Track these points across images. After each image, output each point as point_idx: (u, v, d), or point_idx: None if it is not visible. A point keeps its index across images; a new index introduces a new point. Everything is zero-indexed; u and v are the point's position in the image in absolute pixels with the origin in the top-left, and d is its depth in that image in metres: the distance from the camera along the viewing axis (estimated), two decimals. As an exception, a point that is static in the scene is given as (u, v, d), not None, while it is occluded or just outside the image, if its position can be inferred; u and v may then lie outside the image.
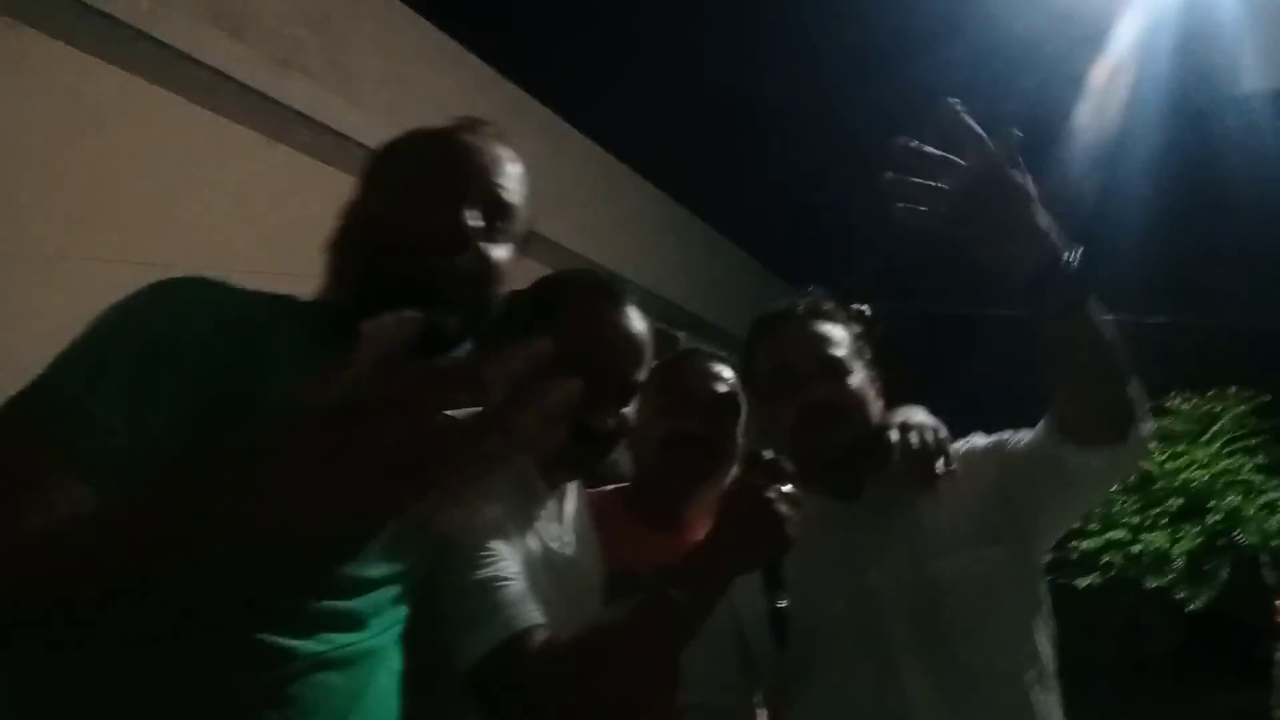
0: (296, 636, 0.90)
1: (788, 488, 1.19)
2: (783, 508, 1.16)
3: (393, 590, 1.03)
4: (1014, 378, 1.63)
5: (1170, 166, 6.07)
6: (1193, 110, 5.75)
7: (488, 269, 1.13)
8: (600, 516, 1.54)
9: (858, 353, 1.54)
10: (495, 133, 1.23)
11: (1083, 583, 5.75)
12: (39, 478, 0.77)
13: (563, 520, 1.39)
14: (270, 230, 5.23)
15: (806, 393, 1.45)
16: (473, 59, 6.83)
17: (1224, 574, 5.57)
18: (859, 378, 1.50)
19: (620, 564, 1.45)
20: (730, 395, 1.66)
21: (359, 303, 1.04)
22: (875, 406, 1.51)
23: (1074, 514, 1.52)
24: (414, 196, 1.11)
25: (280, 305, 1.08)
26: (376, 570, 1.00)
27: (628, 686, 1.12)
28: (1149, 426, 1.32)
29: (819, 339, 1.51)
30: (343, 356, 0.98)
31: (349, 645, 0.95)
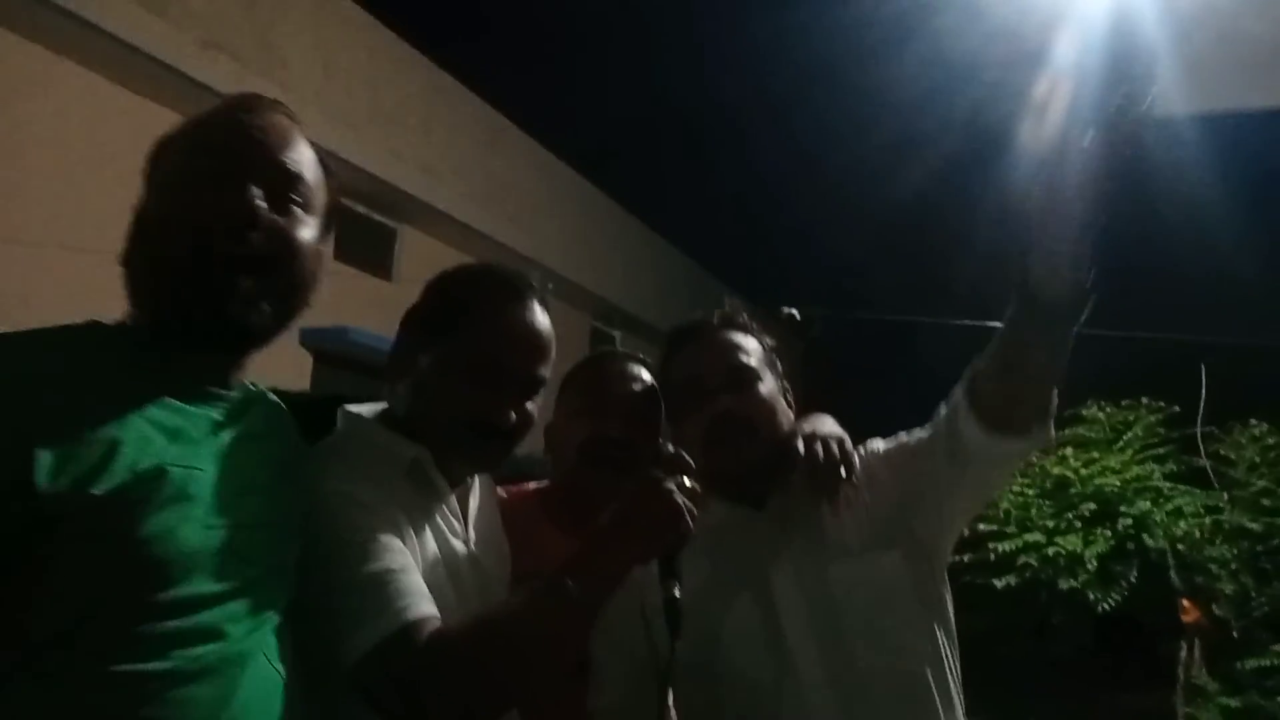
0: (144, 660, 0.91)
1: (688, 481, 1.18)
2: (682, 499, 1.15)
3: (248, 598, 1.01)
4: (948, 384, 1.65)
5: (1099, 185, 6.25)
6: (1121, 129, 5.94)
7: (284, 244, 1.06)
8: (515, 516, 1.52)
9: (768, 363, 1.53)
10: (273, 106, 1.15)
11: (1000, 583, 5.90)
12: None
13: (466, 517, 1.36)
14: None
15: (715, 404, 1.44)
16: (404, 45, 6.75)
17: (1132, 576, 5.77)
18: (768, 386, 1.49)
19: (531, 565, 1.42)
20: (650, 396, 1.64)
21: (159, 312, 1.03)
22: (785, 416, 1.50)
23: (965, 502, 1.50)
24: (191, 185, 1.05)
25: (72, 342, 1.02)
26: (218, 585, 0.98)
27: (518, 675, 1.10)
28: (1051, 427, 1.36)
29: (728, 348, 1.51)
30: (150, 374, 0.99)
31: (203, 656, 0.94)
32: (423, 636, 1.07)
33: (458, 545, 1.30)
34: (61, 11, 4.43)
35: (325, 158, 1.17)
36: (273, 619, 1.04)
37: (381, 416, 1.32)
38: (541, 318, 1.36)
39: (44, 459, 0.89)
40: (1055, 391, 1.31)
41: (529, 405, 1.32)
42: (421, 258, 6.30)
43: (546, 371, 1.35)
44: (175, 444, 0.99)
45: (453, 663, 1.07)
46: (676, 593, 1.16)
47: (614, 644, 1.36)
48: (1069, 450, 6.46)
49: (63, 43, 4.71)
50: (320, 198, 1.14)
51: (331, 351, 5.99)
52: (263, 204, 1.04)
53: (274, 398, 1.22)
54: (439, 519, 1.28)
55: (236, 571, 1.00)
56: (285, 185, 1.08)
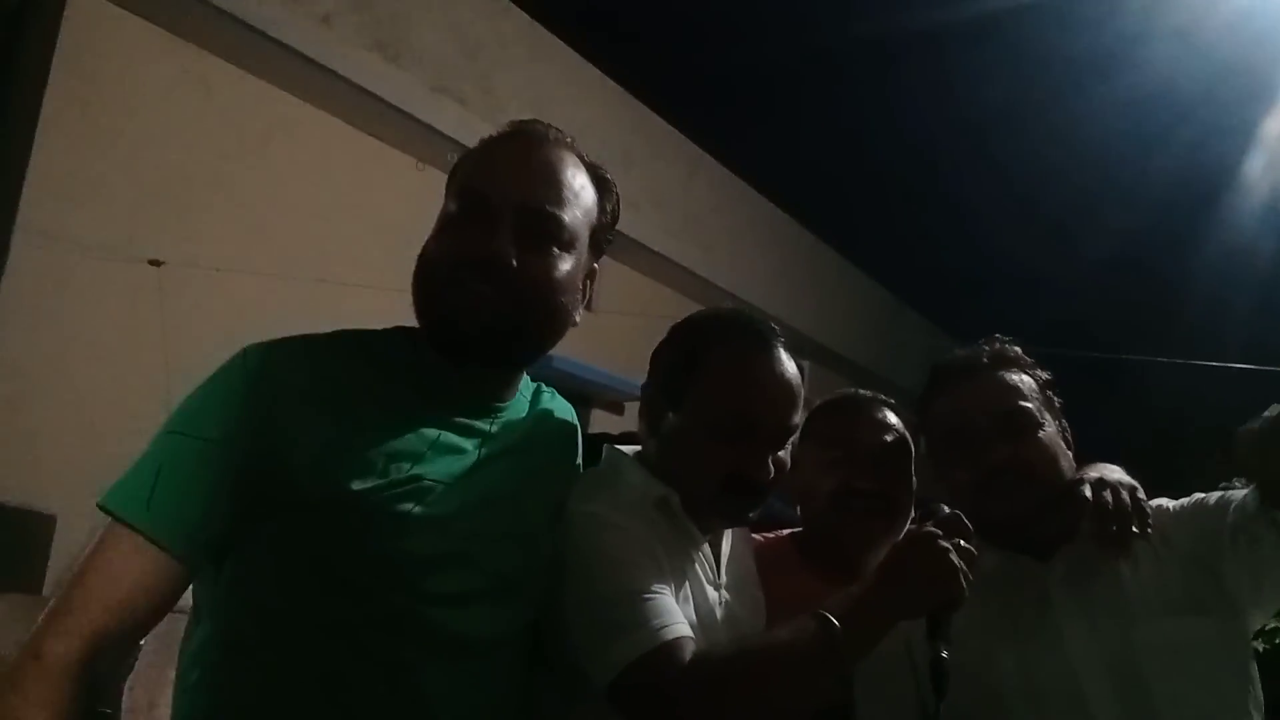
0: (362, 646, 1.04)
1: (964, 543, 1.15)
2: (957, 559, 1.13)
3: (473, 604, 1.10)
4: (1171, 426, 1.52)
5: None
6: None
7: (532, 283, 1.11)
8: (771, 562, 1.51)
9: (1046, 403, 1.43)
10: (538, 135, 1.19)
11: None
12: None
13: (719, 562, 1.36)
14: (417, 249, 5.43)
15: (989, 454, 1.35)
16: (615, 87, 6.99)
17: None
18: (1048, 431, 1.39)
19: (788, 609, 1.42)
20: (902, 445, 1.58)
21: (428, 334, 1.14)
22: (1067, 460, 1.40)
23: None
24: (451, 224, 1.15)
25: (377, 348, 1.16)
26: (441, 589, 1.08)
27: (771, 705, 1.10)
28: None
29: (1003, 391, 1.41)
30: (428, 386, 1.12)
31: (411, 651, 1.05)
32: (684, 655, 1.09)
33: (710, 591, 1.30)
34: (307, 60, 4.84)
35: (601, 172, 1.22)
36: (499, 623, 1.12)
37: (639, 456, 1.35)
38: (789, 365, 1.34)
39: (309, 453, 1.02)
40: None
41: (782, 454, 1.31)
42: (620, 288, 6.48)
43: (799, 419, 1.34)
44: (436, 455, 1.09)
45: (714, 684, 1.09)
46: (944, 654, 1.13)
47: (880, 692, 1.31)
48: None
49: (308, 90, 5.12)
50: (583, 225, 1.18)
51: (536, 378, 6.23)
52: (510, 247, 1.10)
53: (562, 408, 1.31)
54: (693, 562, 1.29)
55: (462, 579, 1.09)
56: (537, 224, 1.13)
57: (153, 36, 4.44)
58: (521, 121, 1.22)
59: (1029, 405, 1.39)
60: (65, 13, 4.08)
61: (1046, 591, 1.35)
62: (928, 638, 1.14)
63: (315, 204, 5.04)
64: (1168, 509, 1.40)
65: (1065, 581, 1.34)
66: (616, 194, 1.24)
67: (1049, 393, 1.45)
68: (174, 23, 4.46)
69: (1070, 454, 1.42)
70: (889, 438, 1.58)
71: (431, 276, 1.13)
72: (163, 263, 4.16)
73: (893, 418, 1.61)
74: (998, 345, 1.48)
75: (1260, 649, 5.24)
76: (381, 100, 5.18)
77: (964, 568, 1.13)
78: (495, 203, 1.11)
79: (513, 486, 1.16)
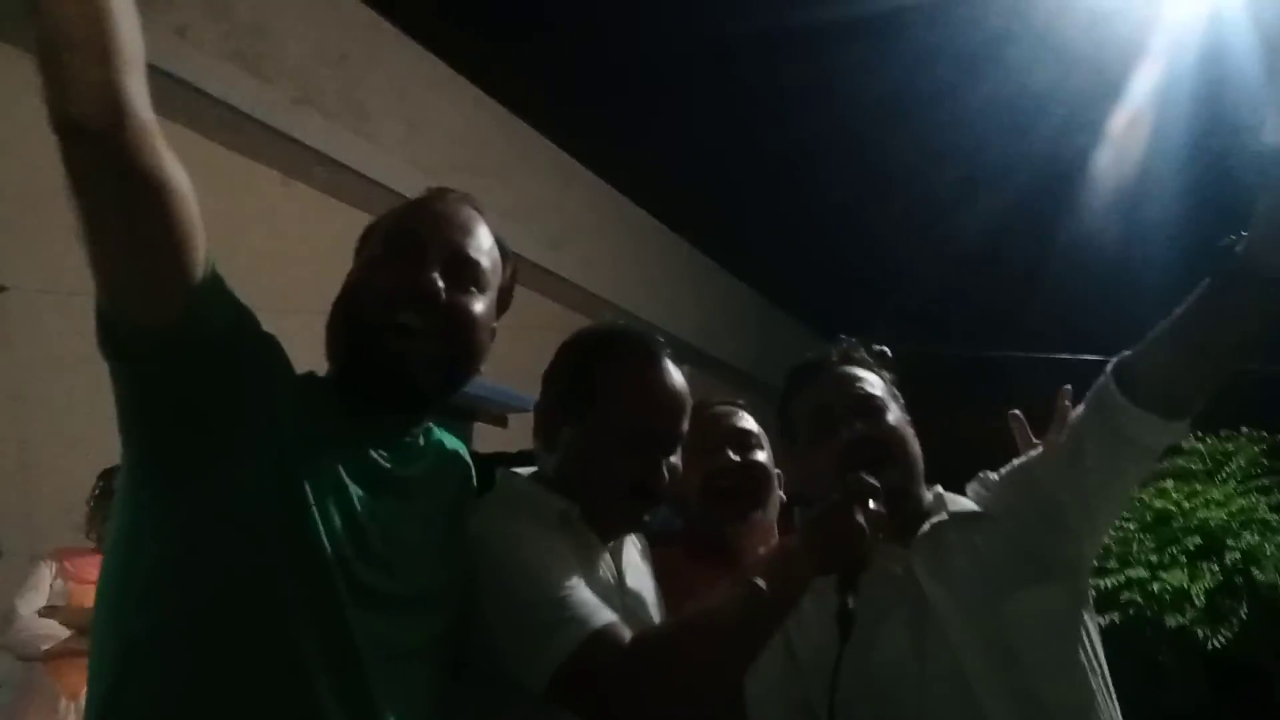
0: (284, 646, 1.07)
1: (872, 504, 1.27)
2: (863, 521, 1.24)
3: (394, 614, 1.14)
4: (1028, 417, 1.64)
5: (1190, 213, 6.17)
6: (1211, 159, 5.87)
7: (461, 319, 1.23)
8: (664, 564, 1.58)
9: (892, 395, 1.58)
10: (460, 197, 1.34)
11: (1103, 620, 5.72)
12: None
13: (622, 576, 1.41)
14: (285, 266, 5.28)
15: (848, 430, 1.48)
16: (487, 99, 6.95)
17: (1243, 613, 5.53)
18: (895, 415, 1.53)
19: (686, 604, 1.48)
20: (749, 427, 1.73)
21: (348, 369, 1.21)
22: (915, 444, 1.53)
23: (1110, 505, 1.50)
24: (385, 263, 1.24)
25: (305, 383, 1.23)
26: (366, 593, 1.13)
27: (719, 671, 1.17)
28: (1187, 425, 1.39)
29: (853, 379, 1.55)
30: (338, 420, 1.16)
31: (339, 655, 1.08)
32: (621, 636, 1.15)
33: (614, 598, 1.34)
34: (162, 73, 4.65)
35: (504, 242, 1.34)
36: (419, 634, 1.17)
37: (535, 476, 1.41)
38: (677, 376, 1.42)
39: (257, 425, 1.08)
40: (1216, 385, 1.34)
41: (674, 460, 1.39)
42: (501, 300, 6.45)
43: (688, 424, 1.42)
44: (355, 482, 1.15)
45: (658, 656, 1.15)
46: (851, 604, 1.25)
47: (763, 679, 1.41)
48: (1169, 482, 6.26)
49: (164, 103, 4.92)
50: (495, 278, 1.31)
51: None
52: (442, 283, 1.20)
53: (452, 442, 1.37)
54: (597, 570, 1.34)
55: (387, 583, 1.13)
56: (463, 267, 1.24)
57: (-13, 50, 4.18)
58: (443, 188, 1.36)
59: (876, 391, 1.54)
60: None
61: (914, 576, 1.45)
62: (837, 591, 1.26)
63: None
64: (995, 479, 1.56)
65: (929, 565, 1.45)
66: (514, 263, 1.38)
67: (893, 388, 1.59)
68: (14, 35, 4.21)
69: (918, 445, 1.55)
70: (737, 422, 1.74)
71: (361, 313, 1.20)
72: (7, 288, 3.92)
73: (742, 413, 1.77)
74: (845, 346, 1.63)
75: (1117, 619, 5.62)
76: (242, 113, 5.00)
77: (870, 529, 1.24)
78: (428, 244, 1.23)
79: (423, 510, 1.23)
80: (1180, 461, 6.36)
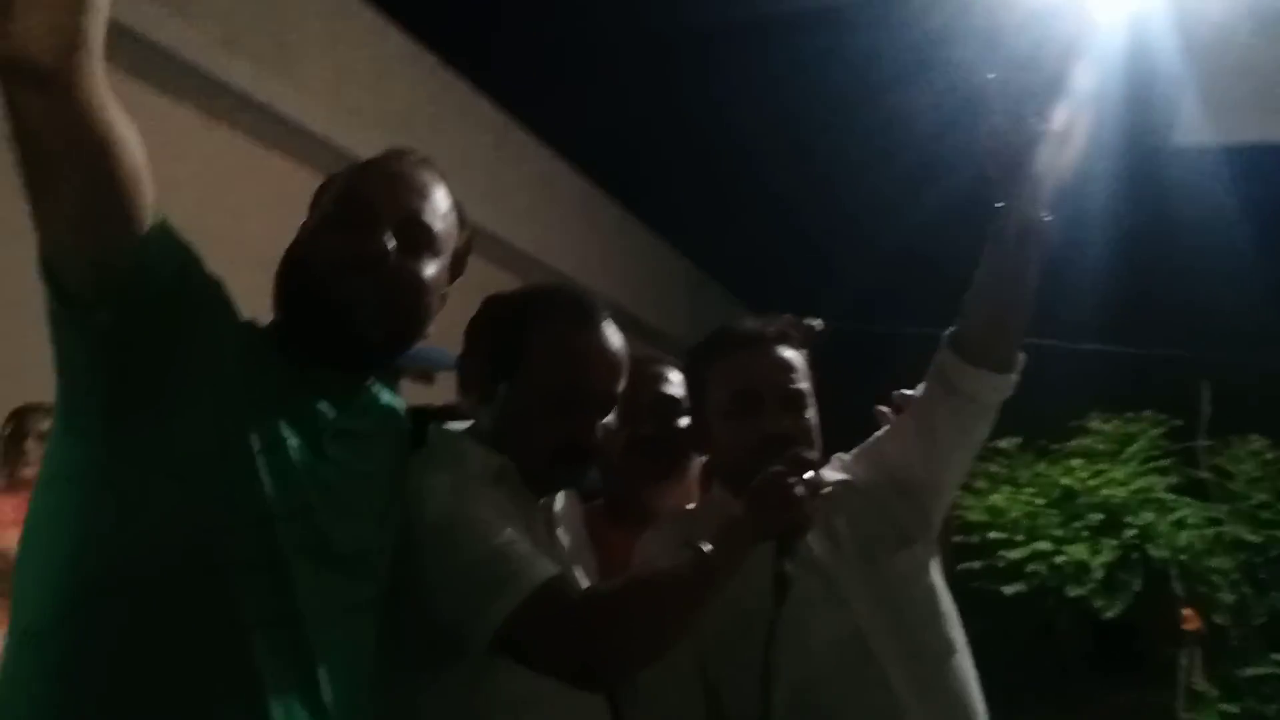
0: (226, 606, 1.06)
1: (809, 474, 1.35)
2: (801, 490, 1.32)
3: (331, 573, 1.14)
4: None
5: (1114, 208, 6.41)
6: (1137, 158, 6.08)
7: (409, 283, 1.22)
8: (590, 530, 1.60)
9: (812, 385, 1.61)
10: (418, 160, 1.32)
11: (1009, 590, 5.95)
12: None
13: (552, 533, 1.42)
14: (208, 211, 5.12)
15: (774, 421, 1.51)
16: (415, 47, 6.79)
17: (1136, 585, 5.82)
18: (813, 412, 1.58)
19: (614, 570, 1.52)
20: (678, 396, 1.74)
21: (294, 323, 1.20)
22: (819, 441, 1.59)
23: (957, 462, 1.61)
24: (336, 225, 1.22)
25: (249, 331, 1.21)
26: (302, 558, 1.11)
27: (664, 630, 1.22)
28: (1017, 374, 1.54)
29: (785, 367, 1.57)
30: (280, 373, 1.16)
31: (277, 619, 1.08)
32: (568, 589, 1.19)
33: (548, 554, 1.34)
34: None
35: (462, 208, 1.33)
36: (354, 597, 1.17)
37: (469, 431, 1.40)
38: (615, 336, 1.43)
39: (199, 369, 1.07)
40: (1023, 327, 1.51)
41: (607, 420, 1.40)
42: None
43: (622, 386, 1.43)
44: (298, 436, 1.15)
45: (607, 612, 1.19)
46: (788, 569, 1.33)
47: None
48: (1076, 461, 6.51)
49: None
50: (449, 243, 1.29)
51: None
52: (391, 244, 1.20)
53: (389, 399, 1.36)
54: (533, 527, 1.34)
55: (324, 544, 1.13)
56: (416, 231, 1.23)
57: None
58: (402, 149, 1.34)
59: (804, 386, 1.58)
60: None
61: (812, 558, 1.50)
62: (775, 556, 1.34)
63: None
64: (854, 456, 1.67)
65: (820, 529, 1.51)
66: (470, 232, 1.36)
67: (811, 373, 1.63)
68: None
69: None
70: (669, 390, 1.75)
71: (310, 274, 1.19)
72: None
73: (672, 373, 1.78)
74: (780, 323, 1.64)
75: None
76: (169, 54, 4.82)
77: (807, 495, 1.33)
78: (380, 211, 1.22)
79: (364, 469, 1.23)
80: (1087, 441, 6.62)
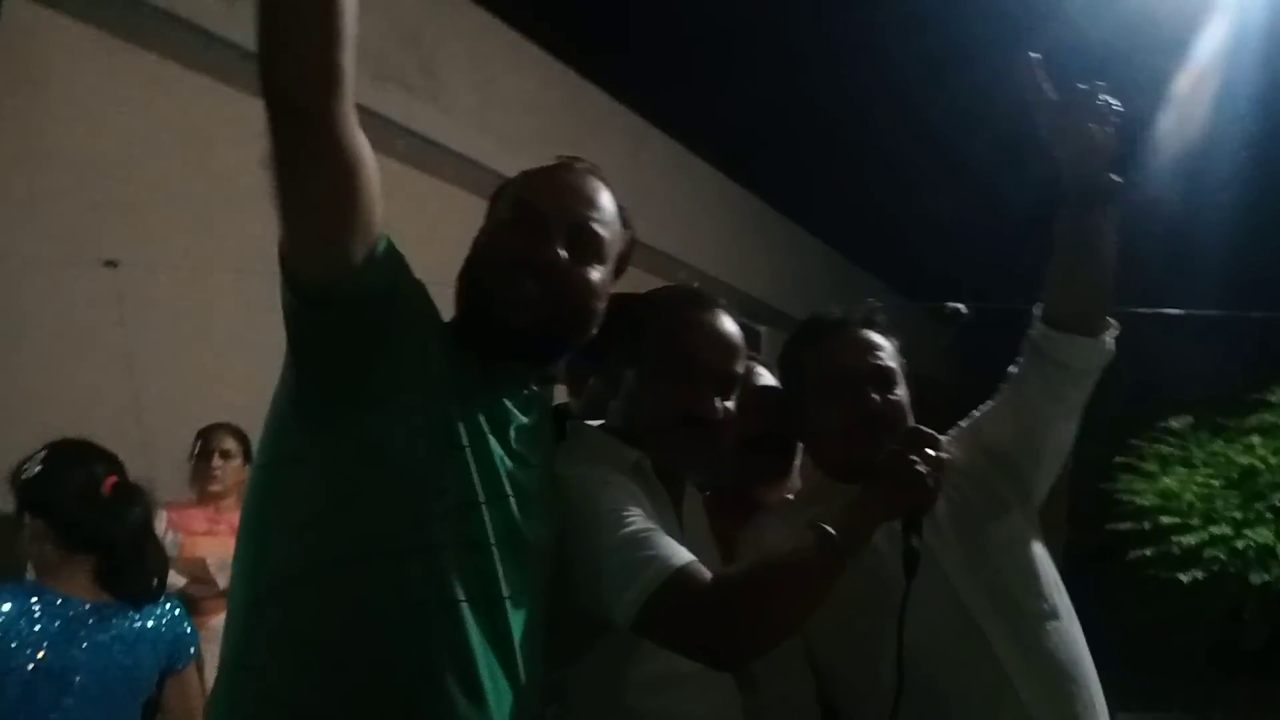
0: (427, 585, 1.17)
1: (931, 451, 1.37)
2: (924, 468, 1.34)
3: (515, 554, 1.23)
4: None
5: (1258, 170, 5.97)
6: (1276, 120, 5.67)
7: (577, 288, 1.29)
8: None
9: (901, 366, 1.65)
10: (586, 168, 1.39)
11: (1185, 578, 5.63)
12: None
13: (681, 524, 1.49)
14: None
15: (867, 400, 1.56)
16: (558, 64, 7.03)
17: (1327, 570, 5.41)
18: (903, 391, 1.62)
19: (725, 559, 1.57)
20: (775, 386, 1.77)
21: (469, 322, 1.29)
22: (912, 419, 1.61)
23: (1049, 427, 1.61)
24: (509, 230, 1.31)
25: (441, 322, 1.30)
26: (490, 537, 1.22)
27: (792, 612, 1.27)
28: (1113, 337, 1.56)
29: (873, 347, 1.62)
30: (464, 367, 1.26)
31: (474, 593, 1.18)
32: (701, 575, 1.24)
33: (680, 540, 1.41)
34: (249, 56, 4.82)
35: (625, 212, 1.42)
36: (534, 581, 1.27)
37: (603, 428, 1.49)
38: (728, 322, 1.50)
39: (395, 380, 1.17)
40: (1109, 290, 1.54)
41: (729, 403, 1.46)
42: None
43: (741, 369, 1.50)
44: (492, 430, 1.25)
45: (736, 594, 1.24)
46: (915, 544, 1.37)
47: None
48: (1256, 438, 6.08)
49: (252, 85, 5.11)
50: (614, 248, 1.37)
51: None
52: (563, 252, 1.28)
53: (543, 397, 1.45)
54: (664, 519, 1.42)
55: (516, 530, 1.23)
56: (585, 238, 1.31)
57: (92, 39, 4.42)
58: (570, 156, 1.43)
59: (892, 364, 1.63)
60: (0, 21, 4.06)
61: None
62: (903, 533, 1.37)
63: (266, 198, 5.05)
64: (951, 437, 1.66)
65: (926, 525, 1.51)
66: (633, 235, 1.43)
67: (902, 359, 1.68)
68: (114, 24, 4.44)
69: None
70: (768, 382, 1.78)
71: (484, 276, 1.29)
72: (119, 263, 4.19)
73: (764, 371, 1.80)
74: (867, 308, 1.71)
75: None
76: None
77: (931, 474, 1.34)
78: (551, 218, 1.30)
79: (537, 462, 1.32)
80: (1267, 416, 6.17)
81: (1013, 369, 1.63)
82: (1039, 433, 1.60)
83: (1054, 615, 1.56)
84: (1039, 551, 1.63)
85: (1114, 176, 1.47)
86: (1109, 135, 1.45)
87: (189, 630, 2.38)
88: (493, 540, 1.18)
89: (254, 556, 1.19)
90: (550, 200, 1.32)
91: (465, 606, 1.13)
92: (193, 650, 2.37)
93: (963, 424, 1.70)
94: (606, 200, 1.37)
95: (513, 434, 1.28)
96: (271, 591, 1.15)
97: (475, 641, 1.13)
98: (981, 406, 1.69)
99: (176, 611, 2.35)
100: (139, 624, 2.23)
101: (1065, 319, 1.52)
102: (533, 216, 1.30)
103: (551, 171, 1.39)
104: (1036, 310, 1.58)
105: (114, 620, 2.19)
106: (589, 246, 1.31)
